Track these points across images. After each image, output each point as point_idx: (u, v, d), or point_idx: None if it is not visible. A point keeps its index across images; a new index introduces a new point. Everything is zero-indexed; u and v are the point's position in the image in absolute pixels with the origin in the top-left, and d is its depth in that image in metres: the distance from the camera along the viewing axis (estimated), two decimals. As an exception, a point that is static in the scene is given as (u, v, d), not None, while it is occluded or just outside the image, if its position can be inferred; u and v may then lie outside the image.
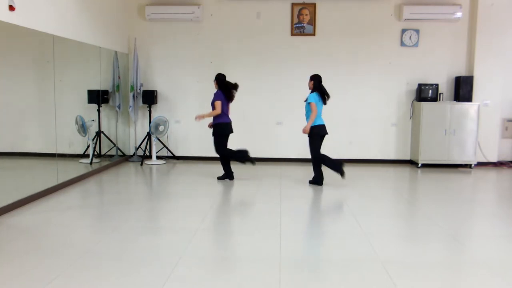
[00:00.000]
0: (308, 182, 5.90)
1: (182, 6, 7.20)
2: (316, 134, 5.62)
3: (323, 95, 5.66)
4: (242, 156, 5.91)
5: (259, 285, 2.79)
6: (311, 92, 5.70)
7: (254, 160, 5.97)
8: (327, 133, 5.71)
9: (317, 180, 5.78)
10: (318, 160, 5.70)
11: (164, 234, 3.80)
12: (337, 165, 5.64)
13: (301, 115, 6.92)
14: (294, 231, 3.92)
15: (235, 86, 5.84)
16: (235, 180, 6.01)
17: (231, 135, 5.92)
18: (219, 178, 6.04)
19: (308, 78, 5.86)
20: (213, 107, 5.79)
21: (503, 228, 4.10)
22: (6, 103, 4.57)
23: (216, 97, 5.78)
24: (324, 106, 5.80)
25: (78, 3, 5.74)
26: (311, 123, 5.57)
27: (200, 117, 5.87)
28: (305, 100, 5.74)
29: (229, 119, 5.87)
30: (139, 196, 5.19)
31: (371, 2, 7.21)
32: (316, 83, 5.67)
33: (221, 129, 5.79)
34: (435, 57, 7.30)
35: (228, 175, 6.03)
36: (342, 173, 5.61)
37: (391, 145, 7.51)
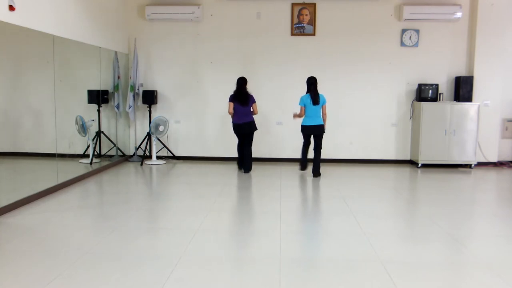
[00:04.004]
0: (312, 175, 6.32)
1: (182, 6, 7.20)
2: (302, 132, 6.28)
3: (313, 97, 6.11)
4: (238, 163, 6.79)
5: (259, 285, 2.79)
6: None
7: (242, 168, 6.67)
8: (313, 133, 6.19)
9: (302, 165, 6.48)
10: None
11: (164, 234, 3.80)
12: (302, 164, 6.43)
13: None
14: (294, 231, 3.92)
15: (242, 93, 6.33)
16: (235, 180, 6.03)
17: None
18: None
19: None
20: None
21: (503, 228, 4.10)
22: (6, 103, 4.57)
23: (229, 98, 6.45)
24: (325, 106, 6.21)
25: (78, 3, 5.74)
26: (298, 117, 6.28)
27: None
28: None
29: (240, 120, 6.33)
30: (139, 196, 5.18)
31: (371, 2, 7.21)
32: (307, 86, 6.20)
33: (233, 128, 6.49)
34: (435, 57, 7.30)
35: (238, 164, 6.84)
36: (301, 168, 6.46)
37: (391, 145, 7.51)
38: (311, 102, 6.06)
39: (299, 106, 6.19)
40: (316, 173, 6.22)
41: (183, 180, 6.10)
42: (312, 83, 6.12)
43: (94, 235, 3.73)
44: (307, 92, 6.16)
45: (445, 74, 7.35)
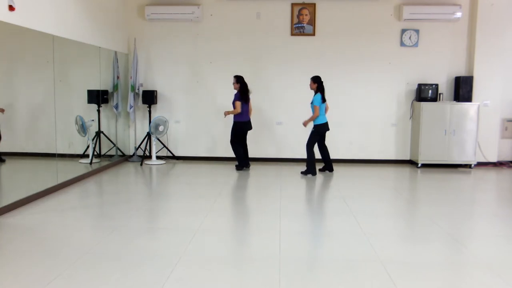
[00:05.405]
0: (300, 173, 6.42)
1: (182, 6, 7.20)
2: (317, 131, 6.22)
3: (323, 95, 6.19)
4: (238, 165, 6.68)
5: (259, 285, 2.79)
6: (315, 93, 6.19)
7: (245, 168, 6.75)
8: (328, 130, 6.29)
9: (309, 170, 6.32)
10: (307, 152, 6.27)
11: (164, 234, 3.79)
12: (311, 169, 6.27)
13: (301, 115, 7.01)
14: (294, 231, 3.92)
15: (248, 91, 6.53)
16: (235, 180, 6.03)
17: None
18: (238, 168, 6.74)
19: (309, 79, 6.35)
20: (234, 106, 6.45)
21: (503, 228, 4.10)
22: (6, 103, 4.57)
23: (236, 97, 6.43)
24: (325, 106, 6.29)
25: (78, 3, 5.74)
26: (311, 120, 6.18)
27: (227, 113, 6.55)
28: (311, 102, 6.26)
29: (247, 118, 6.51)
30: (139, 196, 5.18)
31: (371, 2, 7.21)
32: (319, 84, 6.18)
33: (240, 127, 6.49)
34: (435, 57, 7.30)
35: (240, 164, 6.68)
36: (310, 174, 6.32)
37: (391, 145, 7.51)
38: (322, 101, 6.16)
39: (316, 106, 6.09)
40: (332, 168, 6.51)
41: (183, 180, 6.10)
42: (322, 81, 6.23)
43: (94, 235, 3.73)
44: (317, 91, 6.16)
45: (445, 74, 7.35)
